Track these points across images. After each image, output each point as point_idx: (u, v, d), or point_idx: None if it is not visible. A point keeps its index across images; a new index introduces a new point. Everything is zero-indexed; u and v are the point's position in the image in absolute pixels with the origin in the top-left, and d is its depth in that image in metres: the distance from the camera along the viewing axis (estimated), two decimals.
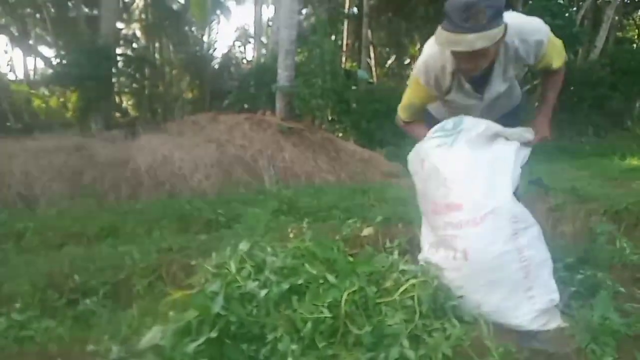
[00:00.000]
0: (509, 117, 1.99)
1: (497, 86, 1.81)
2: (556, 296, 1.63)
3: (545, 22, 1.75)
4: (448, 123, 1.82)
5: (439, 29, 1.56)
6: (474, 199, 1.65)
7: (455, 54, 1.62)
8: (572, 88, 13.27)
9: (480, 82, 1.79)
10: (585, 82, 12.93)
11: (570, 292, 1.81)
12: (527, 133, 1.82)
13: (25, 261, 2.87)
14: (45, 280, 2.40)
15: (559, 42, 1.81)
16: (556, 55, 1.81)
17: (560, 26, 10.48)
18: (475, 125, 1.77)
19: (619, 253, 2.17)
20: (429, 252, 1.80)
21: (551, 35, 1.75)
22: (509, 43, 1.66)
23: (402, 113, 2.03)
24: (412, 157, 1.91)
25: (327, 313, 1.39)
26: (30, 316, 1.95)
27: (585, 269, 1.95)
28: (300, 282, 1.46)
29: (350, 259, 1.62)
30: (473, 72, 1.70)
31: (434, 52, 1.74)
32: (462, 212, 1.65)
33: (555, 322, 1.60)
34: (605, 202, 3.25)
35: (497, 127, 1.78)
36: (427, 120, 2.08)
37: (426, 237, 1.87)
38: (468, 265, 1.63)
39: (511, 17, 1.61)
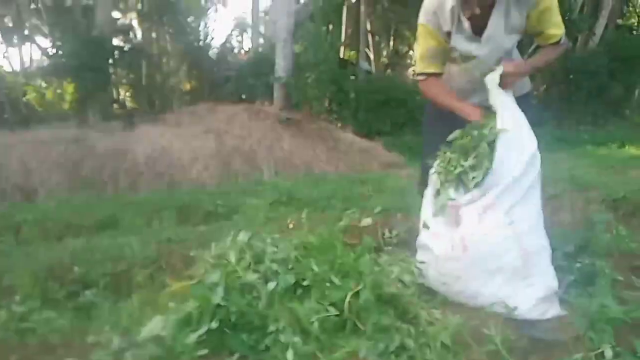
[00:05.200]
0: (521, 103, 1.97)
1: (497, 29, 1.79)
2: (555, 284, 1.64)
3: None
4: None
5: None
6: (471, 197, 1.67)
7: None
8: (570, 77, 13.22)
9: (480, 22, 1.79)
10: (584, 70, 12.85)
11: (568, 280, 1.81)
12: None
13: (24, 253, 2.87)
14: (45, 272, 2.40)
15: (557, 7, 1.82)
16: (554, 18, 1.81)
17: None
18: None
19: (617, 241, 2.17)
20: (427, 239, 1.80)
21: None
22: None
23: (420, 64, 1.95)
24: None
25: (332, 311, 1.40)
26: (30, 308, 1.95)
27: (584, 258, 1.96)
28: (306, 282, 1.47)
29: (353, 254, 1.62)
30: (483, 2, 1.70)
31: None
32: (461, 208, 1.69)
33: (554, 310, 1.61)
34: (604, 191, 3.26)
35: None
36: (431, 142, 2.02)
37: (426, 220, 1.86)
38: (466, 254, 1.63)
39: None
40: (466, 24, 1.80)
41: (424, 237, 1.84)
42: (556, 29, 1.84)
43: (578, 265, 1.90)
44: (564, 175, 4.10)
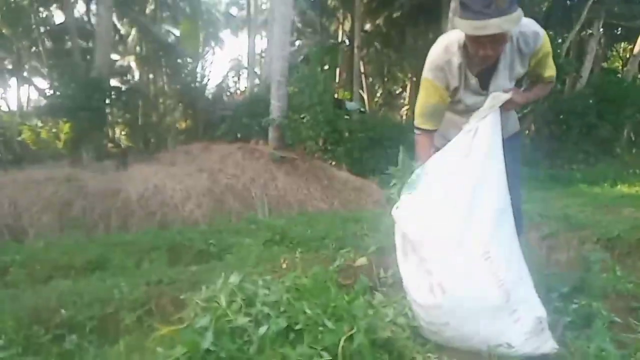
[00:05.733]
0: (511, 142, 1.98)
1: (502, 81, 1.85)
2: (542, 312, 1.60)
3: None
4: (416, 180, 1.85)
5: (458, 20, 1.63)
6: (435, 234, 1.65)
7: (475, 41, 1.66)
8: (561, 117, 13.55)
9: (486, 77, 1.85)
10: (572, 110, 13.23)
11: (565, 322, 1.78)
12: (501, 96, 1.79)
13: (10, 296, 2.78)
14: (31, 316, 2.33)
15: (551, 52, 1.90)
16: (550, 62, 1.91)
17: None
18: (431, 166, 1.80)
19: (613, 282, 2.15)
20: (411, 290, 1.76)
21: (547, 38, 1.85)
22: (512, 36, 1.75)
23: (418, 119, 1.99)
24: (394, 210, 1.93)
25: (325, 356, 1.36)
26: (13, 353, 1.88)
27: (580, 299, 1.93)
28: (298, 326, 1.43)
29: (346, 297, 1.59)
30: (491, 58, 1.75)
31: (439, 49, 1.85)
32: (427, 248, 1.66)
33: (549, 345, 1.57)
34: (598, 230, 3.27)
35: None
36: None
37: (405, 278, 1.84)
38: (447, 299, 1.59)
39: None
40: (473, 80, 1.86)
41: (404, 279, 1.82)
42: (552, 70, 1.95)
43: (574, 306, 1.87)
44: (558, 214, 4.12)
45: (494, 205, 1.65)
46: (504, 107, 1.81)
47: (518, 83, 2.04)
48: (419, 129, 1.99)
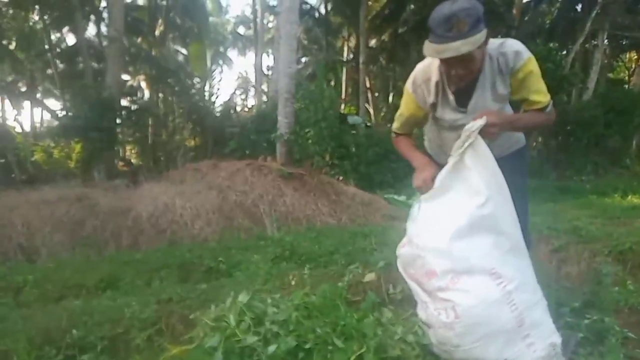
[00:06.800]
0: (514, 158, 2.00)
1: (483, 101, 1.85)
2: (557, 338, 1.59)
3: None
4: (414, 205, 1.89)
5: (426, 43, 1.69)
6: (444, 262, 1.63)
7: (444, 61, 1.73)
8: (568, 128, 13.49)
9: (464, 95, 1.87)
10: (580, 122, 13.16)
11: (577, 338, 1.76)
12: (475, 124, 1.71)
13: (22, 316, 2.81)
14: (42, 336, 2.35)
15: (539, 76, 1.83)
16: (537, 85, 1.82)
17: (550, 69, 10.79)
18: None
19: (625, 296, 2.12)
20: (421, 312, 1.77)
21: (533, 60, 1.80)
22: (492, 55, 1.78)
23: (395, 124, 2.18)
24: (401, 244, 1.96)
25: None
26: None
27: (592, 313, 1.91)
28: (308, 345, 1.43)
29: (356, 316, 1.59)
30: (465, 77, 1.78)
31: (422, 66, 1.95)
32: (438, 277, 1.64)
33: None
34: (609, 242, 3.22)
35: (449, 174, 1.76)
36: None
37: (418, 300, 1.84)
38: (460, 323, 1.58)
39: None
40: (451, 97, 1.89)
41: (419, 310, 1.82)
42: (539, 96, 1.83)
43: (586, 321, 1.84)
44: (567, 226, 4.08)
45: (503, 227, 1.65)
46: (487, 135, 1.72)
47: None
48: (394, 132, 2.21)
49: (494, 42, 1.78)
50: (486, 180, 1.68)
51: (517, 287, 1.58)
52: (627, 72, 20.08)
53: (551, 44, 12.35)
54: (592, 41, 15.49)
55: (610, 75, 18.85)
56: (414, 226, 1.82)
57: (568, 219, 5.03)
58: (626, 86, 16.57)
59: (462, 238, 1.62)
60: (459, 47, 1.59)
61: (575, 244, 3.42)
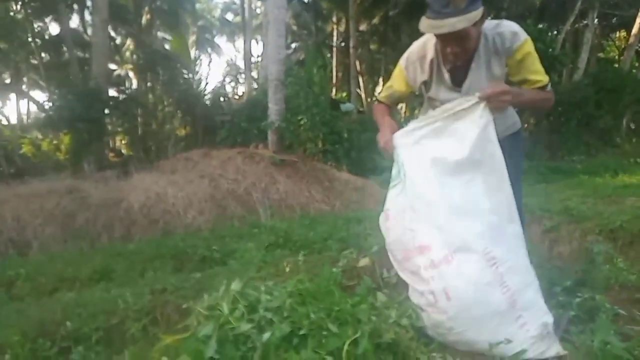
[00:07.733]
0: (511, 141, 1.97)
1: (478, 80, 1.83)
2: (549, 318, 1.60)
3: None
4: (395, 169, 1.86)
5: (423, 18, 1.68)
6: (439, 237, 1.63)
7: (440, 38, 1.73)
8: (559, 108, 13.54)
9: (460, 74, 1.86)
10: (571, 102, 13.21)
11: (569, 316, 1.78)
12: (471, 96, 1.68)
13: (15, 309, 2.80)
14: (36, 329, 2.34)
15: (537, 57, 1.82)
16: (536, 66, 1.81)
17: (541, 49, 10.75)
18: (415, 157, 1.76)
19: (615, 273, 2.15)
20: (413, 296, 1.77)
21: (530, 41, 1.78)
22: (488, 35, 1.78)
23: (383, 91, 2.18)
24: (381, 217, 1.95)
25: None
26: None
27: (583, 292, 1.92)
28: (302, 331, 1.43)
29: (350, 301, 1.59)
30: (460, 56, 1.76)
31: (418, 43, 1.95)
32: (432, 251, 1.64)
33: (554, 349, 1.57)
34: (600, 221, 3.25)
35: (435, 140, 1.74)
36: None
37: (408, 283, 1.84)
38: (451, 305, 1.59)
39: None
40: (446, 76, 1.89)
41: (410, 294, 1.82)
42: (539, 75, 1.82)
43: (578, 300, 1.86)
44: (559, 206, 4.11)
45: (499, 207, 1.64)
46: (494, 106, 1.68)
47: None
48: (378, 100, 2.21)
49: (490, 23, 1.78)
50: (485, 153, 1.67)
51: (509, 268, 1.58)
52: (617, 51, 20.12)
53: (541, 25, 12.31)
54: (582, 21, 15.46)
55: (601, 54, 18.88)
56: (402, 198, 1.79)
57: (560, 199, 5.06)
58: (616, 65, 16.58)
59: (457, 214, 1.62)
60: (454, 23, 1.59)
61: (566, 223, 3.44)
